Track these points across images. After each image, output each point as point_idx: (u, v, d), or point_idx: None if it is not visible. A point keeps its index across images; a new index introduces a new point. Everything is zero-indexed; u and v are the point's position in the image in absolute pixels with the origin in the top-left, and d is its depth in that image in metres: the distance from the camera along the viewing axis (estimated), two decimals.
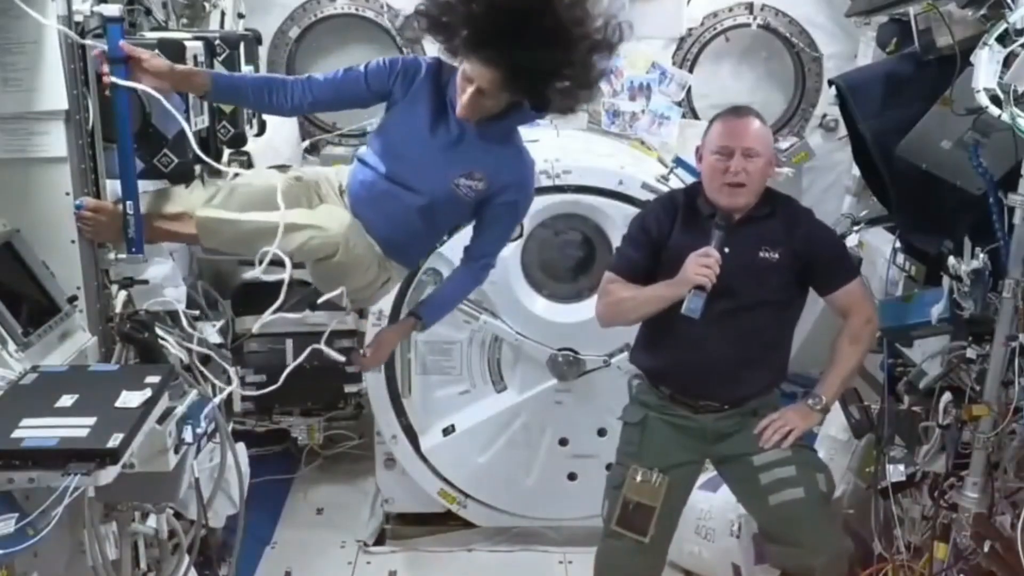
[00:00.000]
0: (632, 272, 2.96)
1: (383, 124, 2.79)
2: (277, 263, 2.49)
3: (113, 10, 2.36)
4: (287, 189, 2.62)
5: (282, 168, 2.95)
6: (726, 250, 2.81)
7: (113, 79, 2.36)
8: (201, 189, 2.79)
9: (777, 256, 2.87)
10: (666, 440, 3.00)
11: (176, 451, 2.20)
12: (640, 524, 2.96)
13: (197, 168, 2.81)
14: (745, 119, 2.88)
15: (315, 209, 2.72)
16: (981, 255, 2.76)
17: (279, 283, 2.50)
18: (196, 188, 2.80)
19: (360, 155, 2.84)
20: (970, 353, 2.84)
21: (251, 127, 3.21)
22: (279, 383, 2.76)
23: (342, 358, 2.92)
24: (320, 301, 2.72)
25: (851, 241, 3.90)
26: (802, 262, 2.89)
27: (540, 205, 3.59)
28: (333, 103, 2.79)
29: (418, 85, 2.67)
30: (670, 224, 2.94)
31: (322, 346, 2.83)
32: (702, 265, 2.74)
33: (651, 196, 3.88)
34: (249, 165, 3.63)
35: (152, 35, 2.76)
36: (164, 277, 2.90)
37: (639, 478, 2.96)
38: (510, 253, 3.79)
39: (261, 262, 2.47)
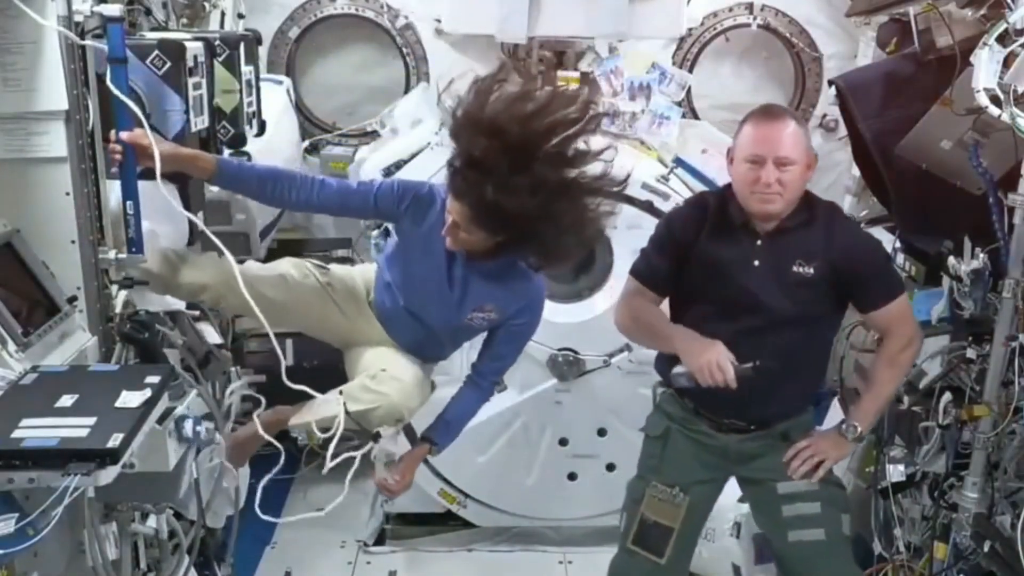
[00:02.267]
0: (654, 279, 2.84)
1: (402, 252, 2.75)
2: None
3: (113, 10, 2.36)
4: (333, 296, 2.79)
5: (318, 266, 2.91)
6: (756, 263, 2.68)
7: (109, 83, 2.37)
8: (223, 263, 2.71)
9: (812, 271, 2.66)
10: (688, 456, 2.88)
11: (176, 451, 2.20)
12: (657, 545, 2.86)
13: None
14: (778, 123, 2.64)
15: (390, 368, 2.72)
16: (981, 255, 2.76)
17: None
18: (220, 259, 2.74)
19: (381, 265, 2.84)
20: (970, 353, 2.84)
21: (251, 127, 3.21)
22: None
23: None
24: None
25: None
26: (841, 277, 2.68)
27: None
28: (336, 211, 2.83)
29: (433, 220, 2.60)
30: (698, 229, 2.76)
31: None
32: (714, 372, 2.58)
33: (651, 196, 3.89)
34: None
35: (152, 35, 2.76)
36: None
37: (659, 496, 2.86)
38: None
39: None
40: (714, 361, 2.59)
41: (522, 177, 2.32)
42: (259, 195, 2.69)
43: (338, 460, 2.65)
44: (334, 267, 2.95)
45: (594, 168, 2.42)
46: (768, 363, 2.64)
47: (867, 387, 2.88)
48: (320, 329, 2.94)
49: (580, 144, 2.38)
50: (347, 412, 2.62)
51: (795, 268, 2.67)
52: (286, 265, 2.85)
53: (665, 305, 2.90)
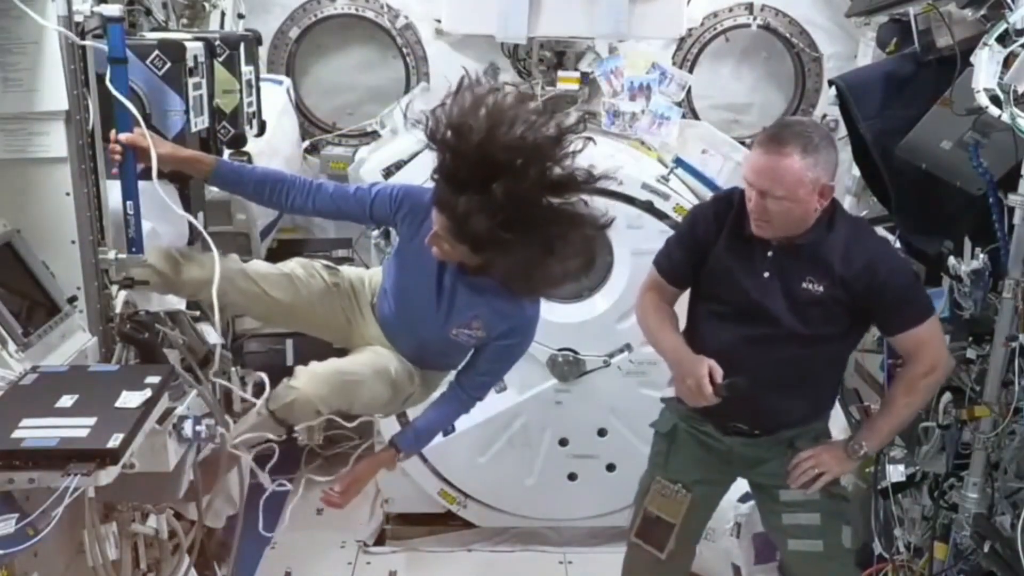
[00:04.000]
0: (672, 273, 2.84)
1: (397, 259, 2.72)
2: None
3: (113, 10, 2.36)
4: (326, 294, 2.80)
5: (327, 267, 2.90)
6: (765, 275, 2.65)
7: (108, 84, 2.37)
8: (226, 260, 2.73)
9: (821, 289, 2.60)
10: (693, 455, 2.89)
11: (176, 451, 2.20)
12: (658, 539, 2.88)
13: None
14: (775, 156, 2.50)
15: (322, 363, 2.70)
16: (981, 255, 2.76)
17: None
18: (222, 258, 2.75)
19: (384, 268, 2.82)
20: (970, 353, 2.84)
21: (251, 127, 3.21)
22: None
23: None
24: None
25: None
26: (856, 298, 2.60)
27: None
28: (333, 215, 2.80)
29: (428, 230, 2.51)
30: (717, 230, 2.72)
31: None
32: (697, 396, 2.59)
33: (651, 196, 3.89)
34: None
35: (152, 35, 2.76)
36: None
37: (662, 491, 2.88)
38: None
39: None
40: (693, 385, 2.58)
41: (484, 197, 2.26)
42: (256, 198, 2.69)
43: (242, 438, 2.62)
44: (345, 269, 2.93)
45: (568, 204, 2.34)
46: (771, 375, 2.61)
47: (882, 407, 2.83)
48: (322, 330, 2.95)
49: (554, 172, 2.30)
50: (269, 411, 2.60)
51: (804, 285, 2.62)
52: (293, 264, 2.84)
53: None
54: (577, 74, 4.36)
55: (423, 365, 2.83)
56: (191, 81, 2.65)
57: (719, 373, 2.58)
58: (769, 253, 2.66)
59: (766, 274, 2.66)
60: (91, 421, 1.92)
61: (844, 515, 2.86)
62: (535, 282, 2.51)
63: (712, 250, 2.73)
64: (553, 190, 2.33)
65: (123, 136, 2.42)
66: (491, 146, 2.25)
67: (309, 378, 2.61)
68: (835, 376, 2.91)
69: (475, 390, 2.81)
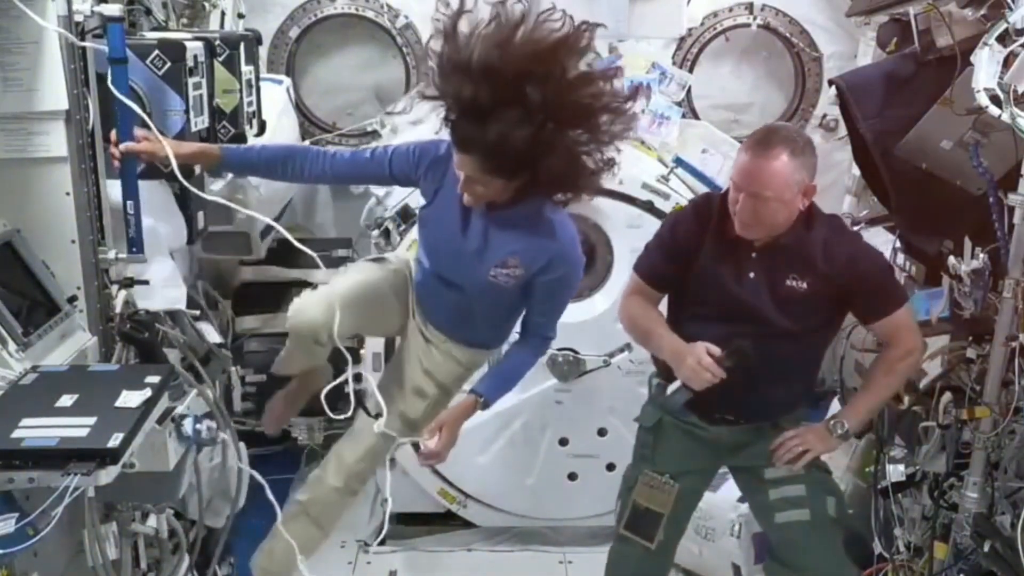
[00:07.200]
0: (654, 279, 2.86)
1: (424, 216, 2.74)
2: None
3: (113, 10, 2.36)
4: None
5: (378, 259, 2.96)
6: (751, 275, 2.70)
7: (110, 84, 2.38)
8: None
9: (805, 286, 2.67)
10: (679, 447, 2.93)
11: (176, 451, 2.20)
12: (647, 530, 2.92)
13: (198, 168, 2.81)
14: (763, 158, 2.56)
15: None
16: (981, 255, 2.76)
17: (278, 284, 2.55)
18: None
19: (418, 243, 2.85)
20: (970, 353, 2.84)
21: (251, 127, 3.21)
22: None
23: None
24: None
25: None
26: (838, 291, 2.69)
27: None
28: (353, 180, 2.85)
29: (450, 176, 2.54)
30: (700, 236, 2.76)
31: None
32: (702, 372, 2.60)
33: (651, 196, 3.89)
34: None
35: (152, 35, 2.76)
36: (164, 277, 2.90)
37: (650, 483, 2.91)
38: None
39: None
40: (696, 363, 2.61)
41: (518, 107, 2.28)
42: (268, 176, 2.76)
43: None
44: (392, 256, 2.98)
45: (596, 86, 2.37)
46: (758, 370, 2.63)
47: (862, 388, 2.90)
48: (389, 326, 3.00)
49: (576, 63, 2.33)
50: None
51: (788, 282, 2.69)
52: (368, 268, 2.89)
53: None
54: None
55: (462, 336, 2.83)
56: (191, 81, 2.65)
57: (716, 350, 2.63)
58: (753, 254, 2.71)
59: (751, 274, 2.70)
60: (91, 421, 1.92)
61: (827, 485, 2.92)
62: (582, 175, 2.48)
63: (696, 254, 2.76)
64: (582, 80, 2.35)
65: (139, 146, 2.43)
66: (512, 56, 2.27)
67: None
68: (816, 366, 2.97)
69: (542, 330, 2.81)
